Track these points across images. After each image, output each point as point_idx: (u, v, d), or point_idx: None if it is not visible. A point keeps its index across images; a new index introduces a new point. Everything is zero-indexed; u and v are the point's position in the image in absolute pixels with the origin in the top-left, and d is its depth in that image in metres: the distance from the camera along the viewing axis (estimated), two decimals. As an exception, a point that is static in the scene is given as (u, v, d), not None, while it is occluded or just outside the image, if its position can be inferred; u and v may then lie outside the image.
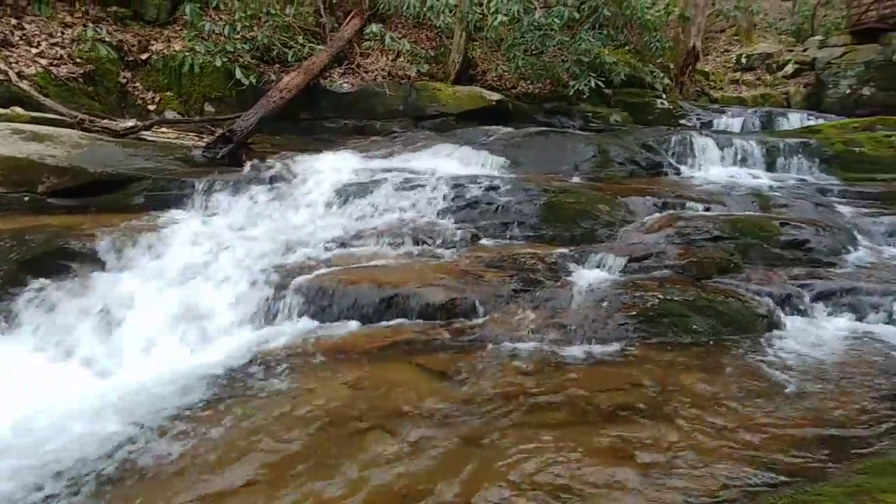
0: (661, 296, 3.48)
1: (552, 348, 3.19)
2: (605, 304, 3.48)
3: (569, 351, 3.18)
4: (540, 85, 9.66)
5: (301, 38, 7.95)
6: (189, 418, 2.47)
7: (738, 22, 15.19)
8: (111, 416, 2.49)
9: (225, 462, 2.17)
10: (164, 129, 6.65)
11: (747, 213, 5.19)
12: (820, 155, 7.50)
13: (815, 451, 2.24)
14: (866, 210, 5.73)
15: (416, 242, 4.51)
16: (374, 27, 8.17)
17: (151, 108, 7.35)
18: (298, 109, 7.76)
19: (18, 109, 5.88)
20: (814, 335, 3.34)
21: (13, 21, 6.96)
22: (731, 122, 10.13)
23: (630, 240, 4.50)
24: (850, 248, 4.62)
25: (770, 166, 7.41)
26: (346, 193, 5.28)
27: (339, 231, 4.67)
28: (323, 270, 3.80)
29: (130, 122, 6.16)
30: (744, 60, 14.26)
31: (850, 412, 2.55)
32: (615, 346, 3.20)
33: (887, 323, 3.45)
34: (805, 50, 13.92)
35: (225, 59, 6.99)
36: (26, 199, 4.53)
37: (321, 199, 5.23)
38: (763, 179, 6.94)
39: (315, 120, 8.03)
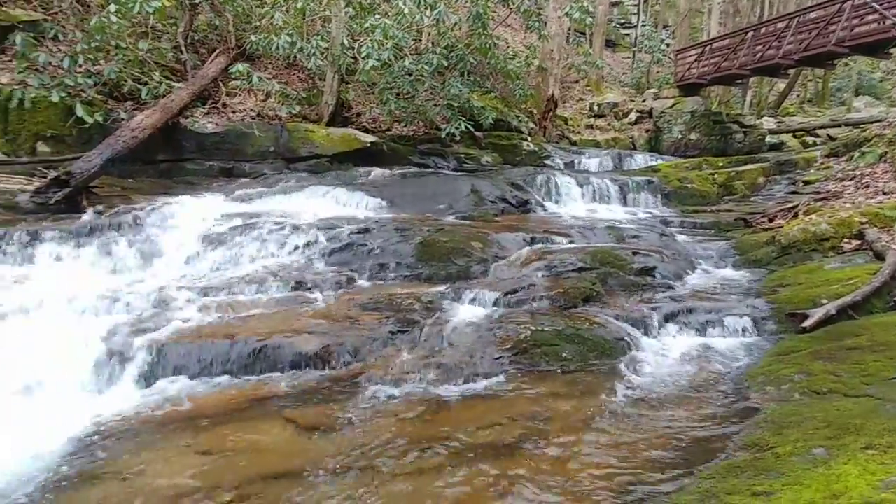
0: (532, 327, 3.61)
1: (430, 389, 3.14)
2: (480, 339, 3.52)
3: (447, 390, 3.15)
4: (414, 127, 9.92)
5: (157, 74, 7.41)
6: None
7: (589, 74, 16.98)
8: None
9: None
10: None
11: (605, 244, 5.65)
12: (661, 191, 8.52)
13: (674, 462, 2.41)
14: (700, 237, 6.54)
15: (289, 288, 4.29)
16: (241, 66, 7.88)
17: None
18: (156, 150, 7.17)
19: None
20: (665, 353, 3.65)
21: None
22: (588, 162, 11.17)
23: (503, 275, 4.66)
24: (690, 271, 5.21)
25: (622, 201, 8.24)
26: (211, 240, 4.90)
27: (201, 281, 4.30)
28: (180, 325, 3.44)
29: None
30: (596, 108, 15.95)
31: (701, 421, 2.79)
32: (492, 381, 3.24)
33: (723, 336, 3.88)
34: (644, 100, 16.00)
35: (64, 94, 6.26)
36: None
37: (181, 247, 4.80)
38: (617, 213, 7.67)
39: (176, 161, 7.45)
